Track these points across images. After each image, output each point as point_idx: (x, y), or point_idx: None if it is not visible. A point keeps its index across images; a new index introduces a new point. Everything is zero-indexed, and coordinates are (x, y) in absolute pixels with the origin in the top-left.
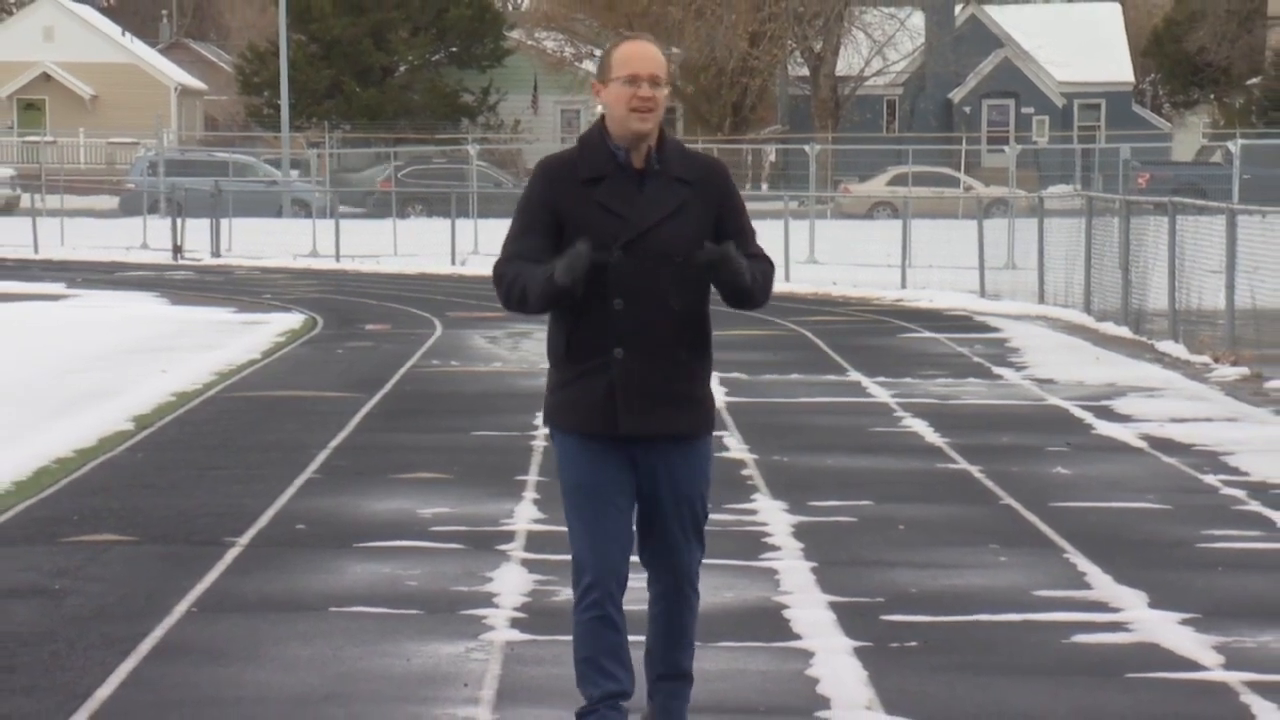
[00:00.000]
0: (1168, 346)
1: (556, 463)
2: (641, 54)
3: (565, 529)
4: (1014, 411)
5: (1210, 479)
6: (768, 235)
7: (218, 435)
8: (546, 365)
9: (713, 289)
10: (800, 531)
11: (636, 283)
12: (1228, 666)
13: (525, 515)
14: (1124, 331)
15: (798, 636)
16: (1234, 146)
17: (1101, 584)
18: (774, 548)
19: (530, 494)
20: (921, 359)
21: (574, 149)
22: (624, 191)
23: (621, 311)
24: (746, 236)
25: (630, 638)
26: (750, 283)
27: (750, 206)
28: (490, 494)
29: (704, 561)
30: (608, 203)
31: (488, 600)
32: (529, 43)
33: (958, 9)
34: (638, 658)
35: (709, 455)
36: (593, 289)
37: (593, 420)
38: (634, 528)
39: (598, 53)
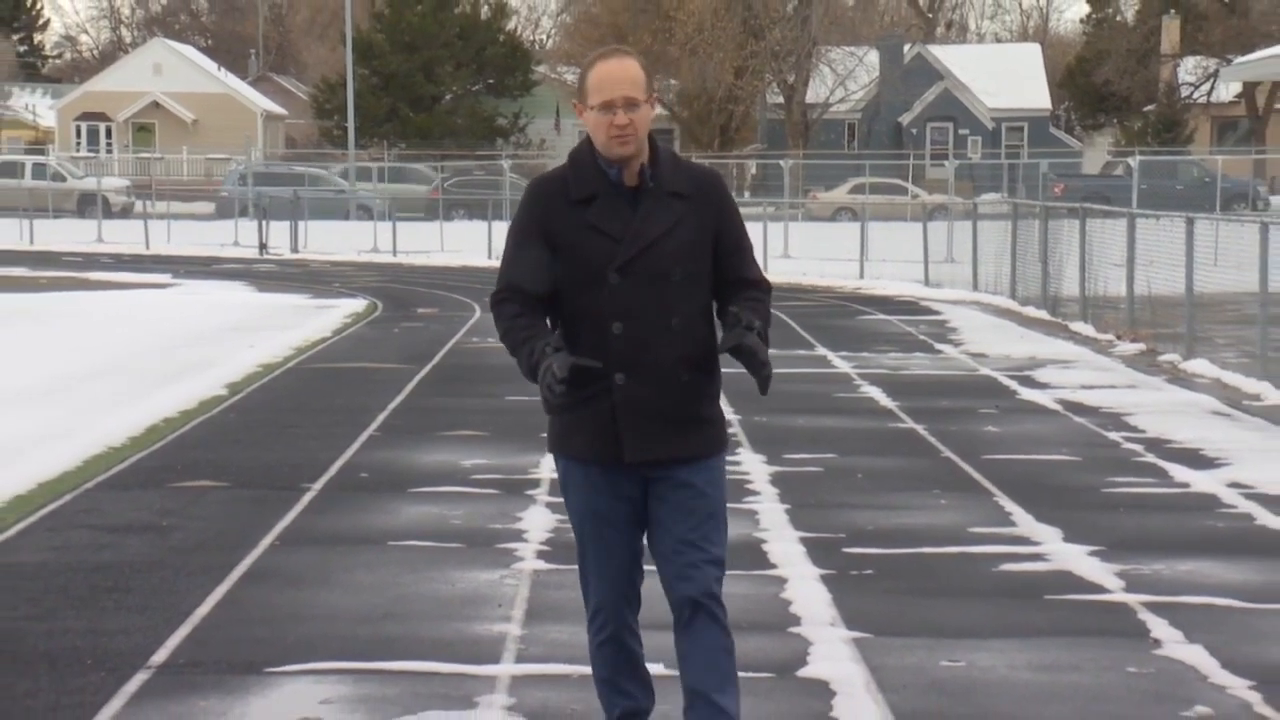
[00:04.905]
0: (1079, 326)
1: (561, 487)
2: (613, 77)
3: None
4: (952, 380)
5: (1113, 435)
6: (749, 235)
7: (296, 399)
8: None
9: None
10: (776, 479)
11: (635, 305)
12: (1128, 590)
13: (549, 466)
14: (1043, 314)
15: (774, 566)
16: (1133, 162)
17: (1024, 522)
18: (755, 492)
19: None
20: (876, 337)
21: (564, 167)
22: (617, 211)
23: (621, 335)
24: (744, 256)
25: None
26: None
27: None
28: (520, 448)
29: None
30: (600, 224)
31: (518, 536)
32: (552, 75)
33: (906, 48)
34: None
35: (721, 473)
36: (590, 313)
37: (596, 448)
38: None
39: None
